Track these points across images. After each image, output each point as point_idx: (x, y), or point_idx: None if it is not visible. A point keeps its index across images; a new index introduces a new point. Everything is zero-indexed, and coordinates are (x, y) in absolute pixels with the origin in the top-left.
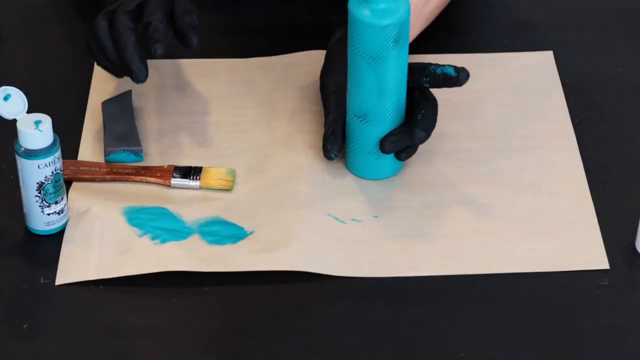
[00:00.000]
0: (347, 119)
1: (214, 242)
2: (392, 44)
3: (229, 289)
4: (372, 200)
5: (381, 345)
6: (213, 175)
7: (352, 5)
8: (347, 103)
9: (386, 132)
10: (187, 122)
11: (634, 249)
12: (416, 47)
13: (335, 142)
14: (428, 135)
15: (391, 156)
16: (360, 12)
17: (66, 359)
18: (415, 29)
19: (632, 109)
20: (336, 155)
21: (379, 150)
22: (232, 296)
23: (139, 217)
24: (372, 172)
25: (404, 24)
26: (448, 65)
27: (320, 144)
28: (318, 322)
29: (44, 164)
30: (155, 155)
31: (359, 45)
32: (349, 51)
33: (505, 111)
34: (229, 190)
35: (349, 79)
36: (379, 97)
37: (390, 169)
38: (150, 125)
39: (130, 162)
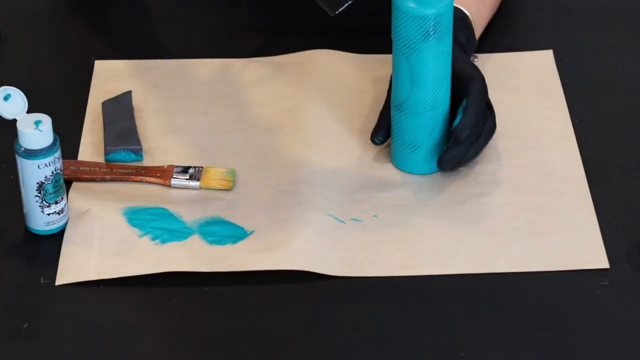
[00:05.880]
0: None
1: (214, 242)
2: (422, 36)
3: (229, 289)
4: (372, 199)
5: (381, 345)
6: (213, 175)
7: None
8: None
9: (420, 125)
10: (187, 122)
11: (635, 249)
12: None
13: (378, 129)
14: (469, 137)
15: (424, 154)
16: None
17: (66, 359)
18: (482, 19)
19: (632, 109)
20: (380, 141)
21: (414, 145)
22: (232, 296)
23: (139, 218)
24: (407, 165)
25: (440, 17)
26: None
27: (319, 143)
28: (318, 322)
29: (44, 164)
30: (155, 155)
31: (396, 33)
32: (392, 39)
33: (505, 111)
34: (229, 190)
35: (392, 68)
36: (411, 88)
37: (424, 167)
38: (150, 125)
39: (130, 162)
